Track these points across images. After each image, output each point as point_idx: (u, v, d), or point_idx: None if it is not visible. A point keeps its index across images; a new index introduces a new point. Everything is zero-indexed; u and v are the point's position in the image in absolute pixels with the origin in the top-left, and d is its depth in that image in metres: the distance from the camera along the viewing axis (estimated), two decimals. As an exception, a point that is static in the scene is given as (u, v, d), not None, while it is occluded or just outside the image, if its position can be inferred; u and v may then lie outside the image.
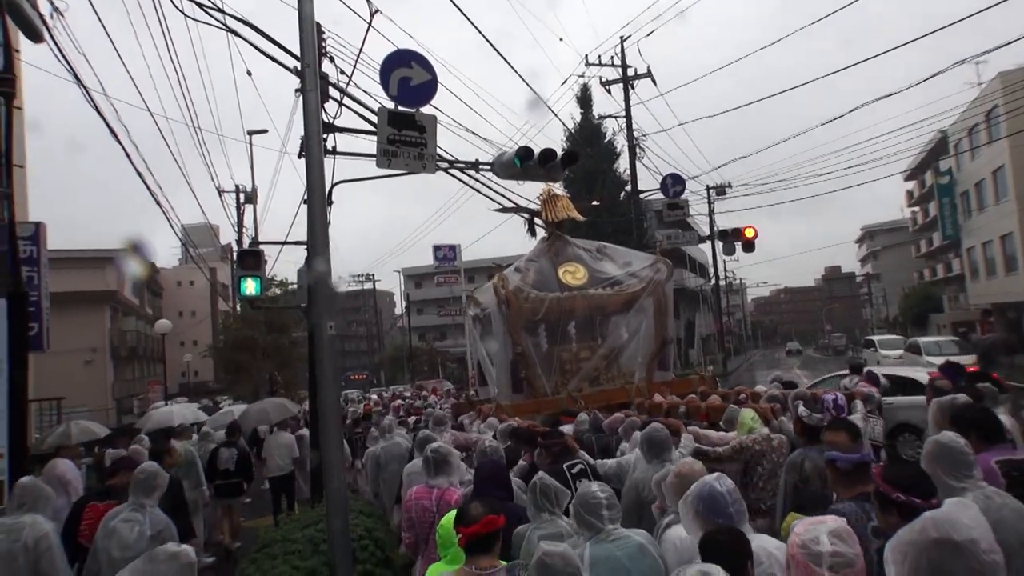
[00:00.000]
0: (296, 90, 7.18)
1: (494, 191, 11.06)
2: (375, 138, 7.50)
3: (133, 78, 9.49)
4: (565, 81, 24.62)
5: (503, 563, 2.74)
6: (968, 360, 20.30)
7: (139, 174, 10.14)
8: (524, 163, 8.87)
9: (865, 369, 9.61)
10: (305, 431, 10.60)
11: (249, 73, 11.45)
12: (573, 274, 10.46)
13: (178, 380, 45.62)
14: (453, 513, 3.15)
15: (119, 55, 9.01)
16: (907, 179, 54.80)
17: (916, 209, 56.78)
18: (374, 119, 8.02)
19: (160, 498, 4.66)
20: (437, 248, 41.96)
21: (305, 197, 8.45)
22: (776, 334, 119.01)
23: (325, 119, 8.37)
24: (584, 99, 31.46)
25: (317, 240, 4.86)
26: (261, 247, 8.08)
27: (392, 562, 5.27)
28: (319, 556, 4.77)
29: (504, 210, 11.80)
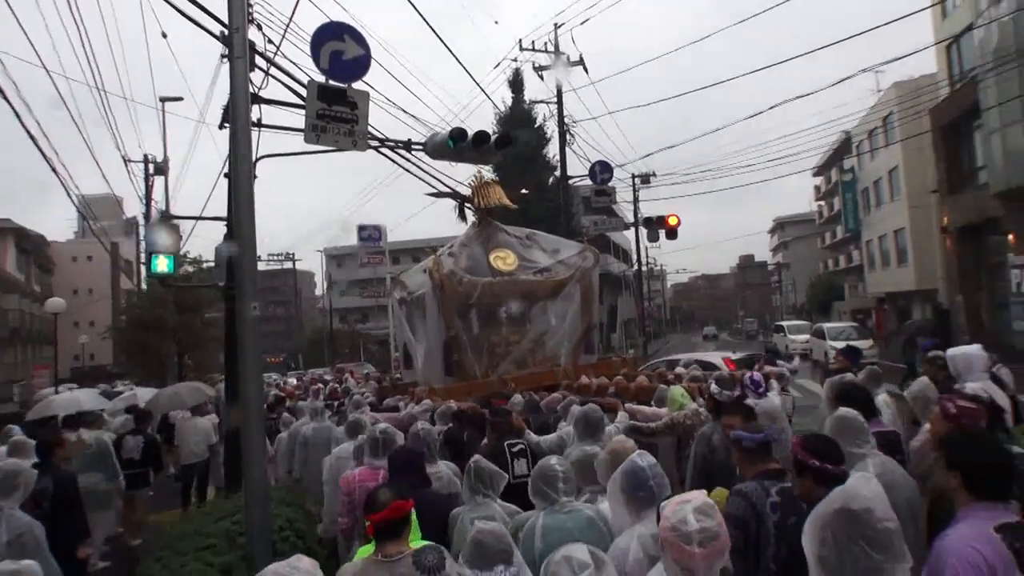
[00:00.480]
0: (222, 56, 6.76)
1: (426, 172, 10.83)
2: (303, 112, 7.21)
3: (25, 30, 8.70)
4: (498, 64, 24.57)
5: (411, 547, 2.70)
6: (865, 344, 21.82)
7: (31, 137, 9.35)
8: (457, 144, 8.72)
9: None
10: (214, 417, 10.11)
11: (164, 35, 10.74)
12: (504, 260, 10.53)
13: (70, 364, 42.66)
14: None
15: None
16: (815, 175, 57.61)
17: (823, 203, 59.78)
18: (303, 92, 7.69)
19: (25, 497, 4.29)
20: (362, 228, 40.99)
21: (227, 170, 8.11)
22: (693, 319, 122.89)
23: (251, 89, 7.98)
24: (516, 83, 31.41)
25: (242, 216, 4.61)
26: (175, 222, 7.61)
27: (315, 553, 5.09)
28: (236, 551, 4.54)
29: (437, 194, 11.78)
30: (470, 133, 8.78)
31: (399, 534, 2.71)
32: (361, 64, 7.35)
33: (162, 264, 7.27)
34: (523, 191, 24.30)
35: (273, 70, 8.19)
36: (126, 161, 24.49)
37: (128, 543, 8.50)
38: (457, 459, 4.87)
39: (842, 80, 23.27)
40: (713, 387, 4.98)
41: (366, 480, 4.37)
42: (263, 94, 8.12)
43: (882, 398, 5.12)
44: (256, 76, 8.13)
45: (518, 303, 10.25)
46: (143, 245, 29.34)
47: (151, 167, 26.20)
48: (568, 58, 22.10)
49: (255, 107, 8.12)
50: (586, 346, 10.94)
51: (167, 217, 7.57)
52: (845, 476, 2.62)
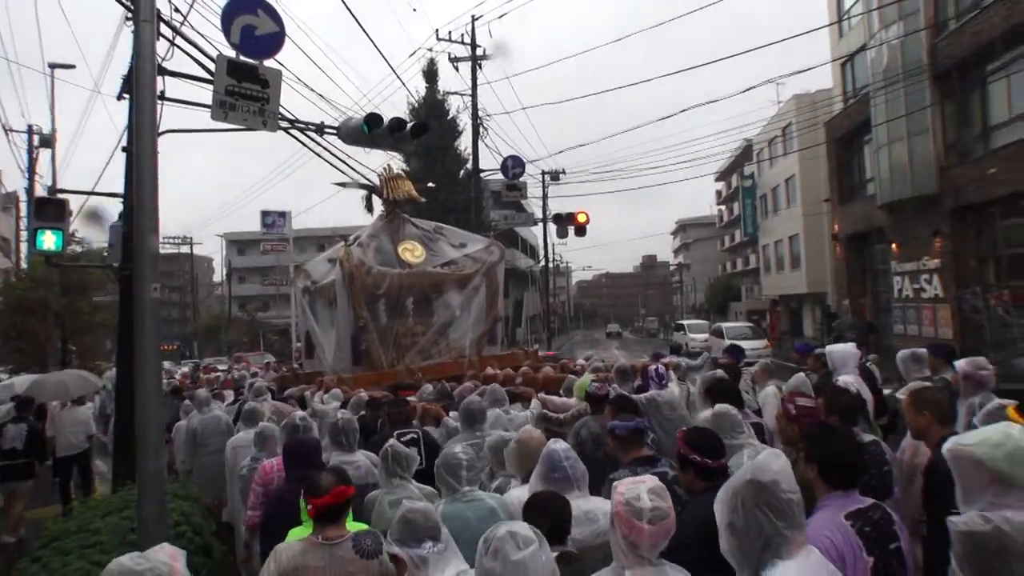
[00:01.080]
0: (125, 19, 6.30)
1: (337, 159, 10.55)
2: (211, 88, 6.87)
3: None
4: (414, 53, 24.13)
5: (350, 531, 2.80)
6: (760, 344, 23.10)
7: None
8: (372, 130, 8.55)
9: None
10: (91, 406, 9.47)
11: (55, -4, 9.91)
12: (411, 252, 10.68)
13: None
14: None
15: None
16: (717, 179, 60.15)
17: (723, 207, 62.46)
18: (211, 67, 7.30)
19: None
20: (266, 214, 39.55)
21: (124, 144, 7.58)
22: (596, 316, 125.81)
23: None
24: (430, 73, 31.06)
25: (144, 190, 4.29)
26: (64, 197, 7.05)
27: (211, 548, 4.85)
28: (126, 548, 4.25)
29: (346, 185, 11.64)
30: (385, 120, 8.67)
31: (339, 518, 2.80)
32: (274, 41, 7.09)
33: (48, 241, 6.75)
34: (430, 184, 24.09)
35: (179, 40, 7.72)
36: (7, 130, 22.64)
37: (3, 540, 7.92)
38: (373, 448, 4.71)
39: (747, 89, 24.53)
40: (591, 383, 5.22)
41: (283, 471, 4.21)
42: (168, 65, 7.67)
43: (770, 390, 5.89)
44: (161, 46, 7.68)
45: (425, 295, 10.43)
46: (24, 222, 27.22)
47: (36, 138, 24.35)
48: (484, 51, 22.09)
49: (159, 79, 7.69)
50: (490, 338, 11.21)
51: (55, 191, 6.97)
52: (725, 470, 2.85)
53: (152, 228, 4.34)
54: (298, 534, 3.05)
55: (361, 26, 11.13)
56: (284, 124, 8.71)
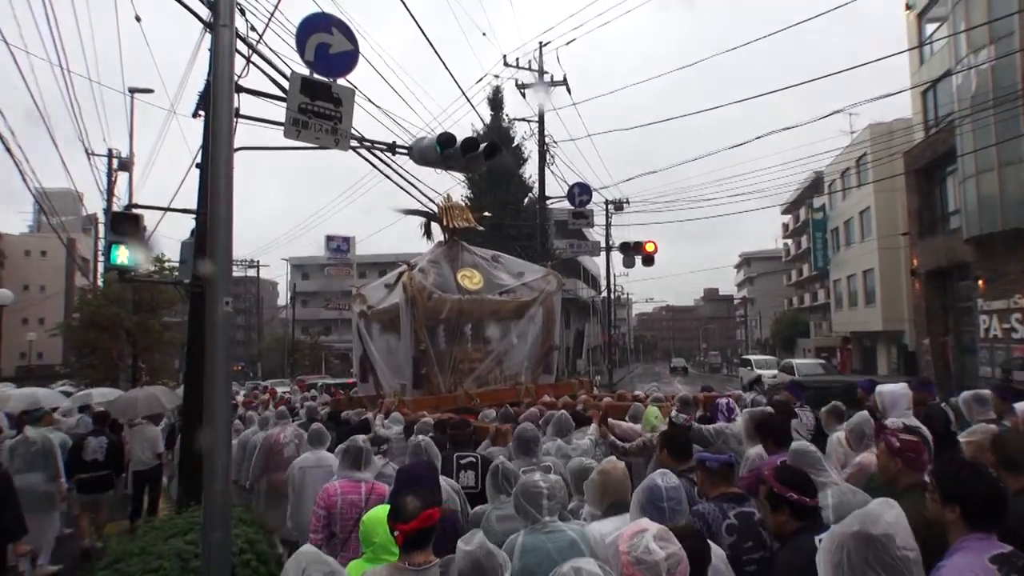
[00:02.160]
0: (206, 26, 6.32)
1: (405, 180, 10.52)
2: (283, 105, 6.85)
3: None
4: (481, 79, 24.46)
5: (436, 559, 2.68)
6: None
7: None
8: (444, 150, 8.42)
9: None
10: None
11: (138, 19, 10.19)
12: (470, 279, 10.73)
13: (16, 363, 40.64)
14: (380, 509, 3.10)
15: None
16: (784, 212, 58.60)
17: (790, 241, 60.72)
18: (284, 84, 7.30)
19: None
20: (330, 239, 40.38)
21: (199, 160, 7.62)
22: (656, 349, 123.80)
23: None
24: (495, 101, 31.19)
25: (219, 203, 4.16)
26: (139, 212, 7.08)
27: (276, 577, 4.59)
28: (189, 575, 4.04)
29: (407, 211, 11.91)
30: (458, 140, 8.53)
31: (427, 544, 2.70)
32: (348, 59, 7.06)
33: (122, 255, 6.75)
34: (486, 213, 23.98)
35: (255, 58, 7.77)
36: (88, 154, 23.66)
37: (90, 546, 8.05)
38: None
39: (817, 119, 23.75)
40: (673, 413, 5.62)
41: (348, 493, 4.24)
42: (244, 83, 7.71)
43: (836, 437, 5.30)
44: (237, 63, 7.74)
45: (482, 321, 10.66)
46: (102, 243, 28.36)
47: (115, 161, 25.39)
48: (552, 77, 22.02)
49: (234, 95, 7.74)
50: (545, 367, 11.33)
51: (132, 206, 7.02)
52: (818, 510, 2.79)
53: (225, 240, 4.20)
54: (360, 567, 2.94)
55: (437, 53, 11.08)
56: (355, 143, 8.72)
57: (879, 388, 5.81)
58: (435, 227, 11.86)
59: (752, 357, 35.07)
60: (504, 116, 31.81)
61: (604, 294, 44.68)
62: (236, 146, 7.78)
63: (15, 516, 5.61)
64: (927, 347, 21.94)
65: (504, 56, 21.62)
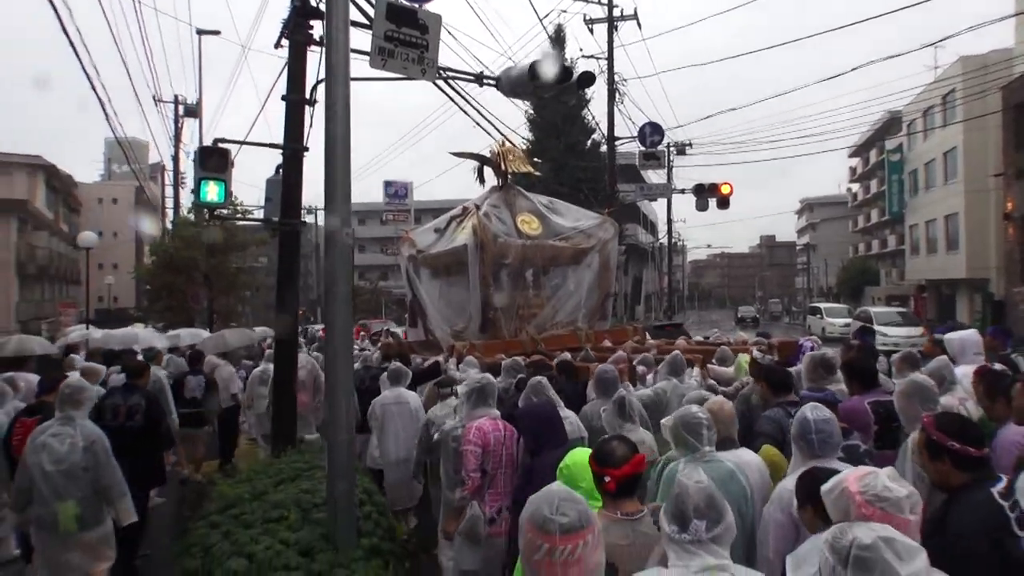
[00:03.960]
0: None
1: (480, 114, 10.06)
2: (368, 33, 6.44)
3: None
4: (547, 15, 23.42)
5: (644, 507, 2.54)
6: (914, 332, 20.67)
7: (84, 70, 8.56)
8: (535, 79, 7.88)
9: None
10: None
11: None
12: (529, 224, 10.71)
13: (94, 305, 42.18)
14: (580, 452, 2.99)
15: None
16: (851, 155, 55.98)
17: (857, 185, 58.14)
18: (369, 10, 6.86)
19: (89, 410, 4.74)
20: (388, 184, 40.13)
21: (285, 93, 7.25)
22: (711, 297, 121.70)
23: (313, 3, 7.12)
24: (558, 39, 30.04)
25: (337, 128, 3.77)
26: (226, 147, 6.78)
27: (395, 533, 4.34)
28: (312, 526, 3.79)
29: (463, 155, 11.86)
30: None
31: (634, 491, 2.57)
32: None
33: (212, 192, 6.50)
34: (535, 160, 23.14)
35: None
36: (156, 100, 23.70)
37: (192, 477, 8.33)
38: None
39: (899, 55, 22.15)
40: (756, 352, 6.44)
41: (495, 431, 4.18)
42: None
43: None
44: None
45: (544, 267, 10.76)
46: (170, 190, 28.70)
47: (182, 108, 25.44)
48: (622, 11, 20.93)
49: (316, 23, 7.32)
50: (602, 313, 11.49)
51: (219, 141, 6.72)
52: (988, 459, 2.56)
53: (345, 168, 3.86)
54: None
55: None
56: (443, 73, 8.24)
57: (948, 336, 5.89)
58: (488, 172, 11.72)
59: (822, 305, 33.79)
60: (566, 57, 30.71)
61: (662, 240, 43.81)
62: (318, 77, 7.44)
63: (168, 431, 6.47)
64: (1021, 295, 20.65)
65: (573, -12, 20.60)
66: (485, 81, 8.60)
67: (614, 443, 2.62)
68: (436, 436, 5.00)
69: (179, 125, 25.54)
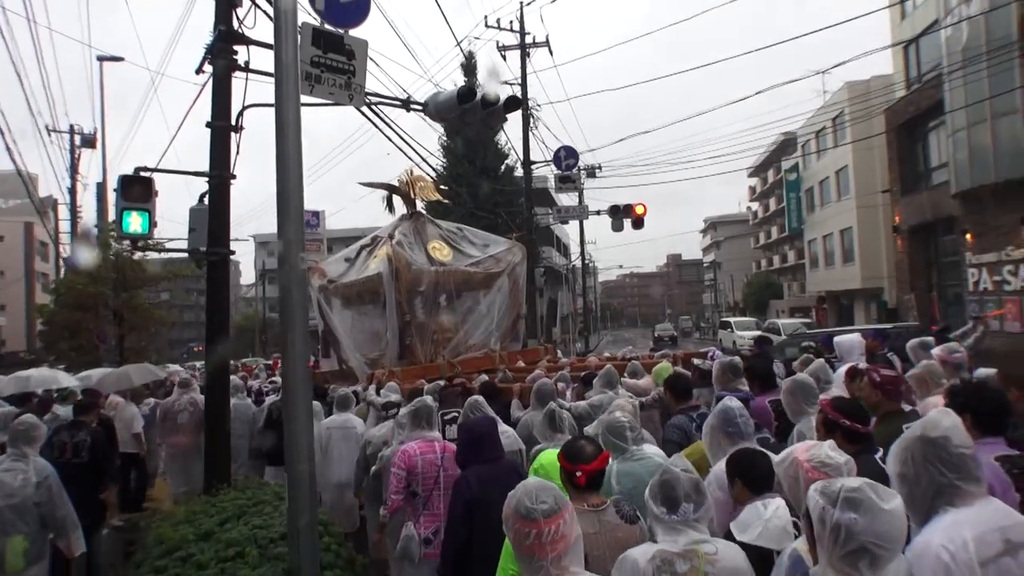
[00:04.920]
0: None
1: (400, 137, 10.03)
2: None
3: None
4: (460, 41, 23.59)
5: (608, 498, 2.86)
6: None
7: None
8: (463, 103, 8.01)
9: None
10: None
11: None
12: (439, 251, 11.02)
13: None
14: (549, 453, 3.50)
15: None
16: (751, 175, 58.97)
17: (756, 204, 61.28)
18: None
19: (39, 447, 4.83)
20: (299, 213, 39.24)
21: (210, 119, 7.02)
22: (623, 316, 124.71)
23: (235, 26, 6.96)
24: (468, 67, 30.35)
25: (288, 149, 3.69)
26: (149, 176, 6.49)
27: (354, 563, 4.22)
28: (273, 563, 3.64)
29: (372, 185, 12.11)
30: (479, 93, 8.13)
31: (600, 485, 2.88)
32: (361, 8, 6.61)
33: (135, 222, 6.20)
34: (442, 187, 23.26)
35: (261, 3, 7.15)
36: (50, 131, 22.34)
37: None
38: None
39: (792, 81, 23.71)
40: (696, 361, 6.97)
41: (426, 452, 4.31)
42: (249, 34, 7.11)
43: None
44: (241, 11, 7.13)
45: (456, 292, 10.97)
46: (65, 225, 26.94)
47: (78, 138, 24.11)
48: (534, 38, 21.44)
49: (242, 48, 7.15)
50: (514, 335, 11.86)
51: (139, 170, 6.44)
52: (871, 436, 3.07)
53: (297, 187, 3.78)
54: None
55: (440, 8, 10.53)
56: (371, 99, 8.20)
57: (836, 338, 6.83)
58: (397, 201, 11.96)
59: (732, 319, 35.28)
60: (477, 83, 31.04)
61: (574, 262, 44.61)
62: (245, 103, 7.25)
63: (112, 466, 6.66)
64: (912, 302, 22.20)
65: (485, 17, 21.00)
66: (412, 106, 8.65)
67: (582, 443, 2.97)
68: (376, 465, 5.22)
69: (76, 156, 24.20)
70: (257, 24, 7.17)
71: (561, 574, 2.03)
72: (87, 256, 18.17)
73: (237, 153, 6.88)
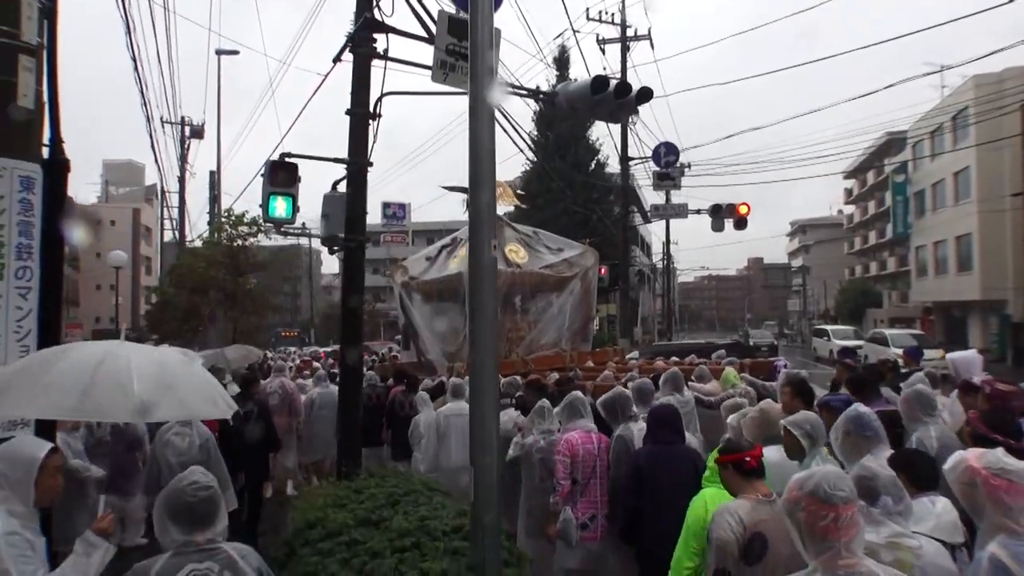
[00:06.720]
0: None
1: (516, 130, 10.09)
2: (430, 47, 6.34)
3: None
4: (560, 34, 23.51)
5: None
6: (932, 354, 20.54)
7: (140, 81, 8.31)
8: (597, 94, 7.76)
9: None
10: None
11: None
12: (516, 253, 11.42)
13: (91, 326, 41.80)
14: (713, 493, 3.42)
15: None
16: (847, 177, 56.29)
17: (853, 207, 58.49)
18: (431, 24, 6.74)
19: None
20: (387, 205, 39.96)
21: (349, 107, 7.06)
22: (700, 319, 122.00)
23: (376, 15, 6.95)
24: (561, 61, 30.12)
25: (483, 137, 3.52)
26: (294, 161, 6.57)
27: (523, 561, 4.06)
28: (453, 557, 3.51)
29: (451, 188, 13.08)
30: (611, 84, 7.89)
31: (764, 474, 3.03)
32: None
33: (280, 207, 6.28)
34: (520, 192, 23.06)
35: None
36: (163, 122, 23.39)
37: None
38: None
39: (907, 79, 22.42)
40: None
41: (586, 443, 4.69)
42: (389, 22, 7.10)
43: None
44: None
45: (530, 293, 11.41)
46: (170, 211, 28.27)
47: (188, 129, 25.20)
48: (636, 31, 20.97)
49: (381, 36, 7.16)
50: (584, 336, 12.30)
51: (285, 156, 6.52)
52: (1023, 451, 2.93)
53: (490, 179, 3.61)
54: (718, 496, 3.18)
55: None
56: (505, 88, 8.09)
57: (950, 356, 6.64)
58: None
59: (828, 327, 33.69)
60: (569, 77, 30.74)
61: (655, 262, 43.74)
62: (383, 91, 7.25)
63: (274, 433, 7.23)
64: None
65: (587, 10, 20.69)
66: (541, 96, 8.51)
67: (734, 438, 3.33)
68: (513, 452, 5.39)
69: (186, 147, 25.34)
70: (395, 12, 7.17)
71: (850, 557, 2.14)
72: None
73: (374, 140, 6.90)
